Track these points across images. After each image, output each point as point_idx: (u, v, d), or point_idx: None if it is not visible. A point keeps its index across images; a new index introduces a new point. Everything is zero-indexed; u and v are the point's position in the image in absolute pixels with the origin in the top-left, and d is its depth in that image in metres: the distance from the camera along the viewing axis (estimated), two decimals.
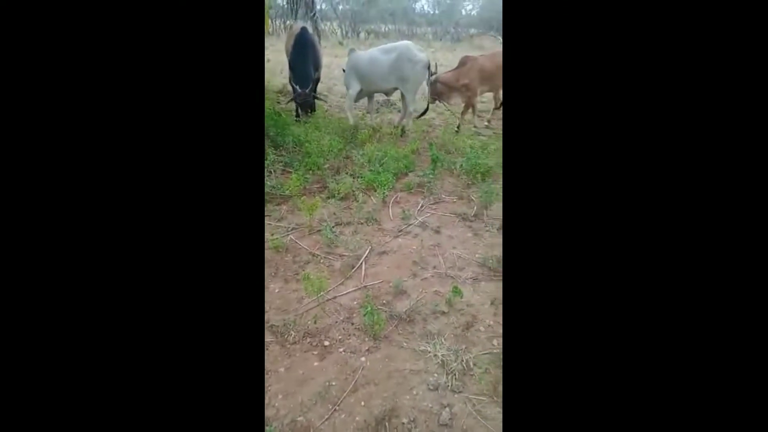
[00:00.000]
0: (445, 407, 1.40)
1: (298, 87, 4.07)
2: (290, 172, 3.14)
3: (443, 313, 1.85)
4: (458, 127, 4.47)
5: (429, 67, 4.06)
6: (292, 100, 4.26)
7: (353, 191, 2.94)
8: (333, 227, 2.46)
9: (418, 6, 17.53)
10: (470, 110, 4.60)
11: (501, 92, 4.81)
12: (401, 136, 4.16)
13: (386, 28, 15.10)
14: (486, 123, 4.86)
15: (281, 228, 2.50)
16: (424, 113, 4.36)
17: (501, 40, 6.42)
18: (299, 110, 4.30)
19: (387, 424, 1.34)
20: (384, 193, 2.90)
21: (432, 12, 17.31)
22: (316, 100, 4.26)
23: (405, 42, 4.28)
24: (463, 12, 18.13)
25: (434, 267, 2.19)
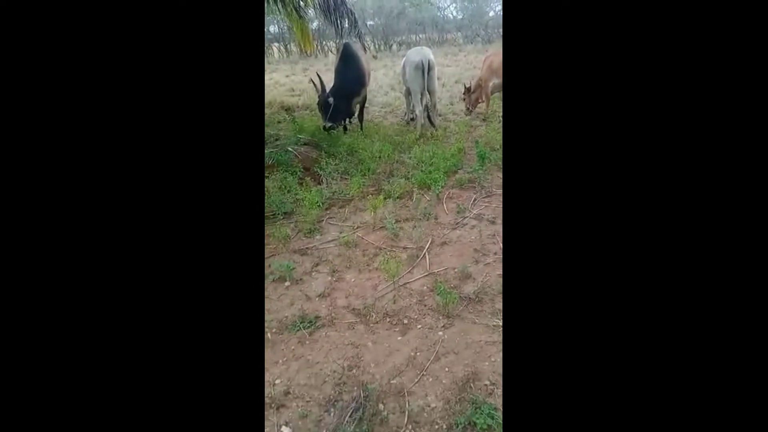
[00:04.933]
0: None
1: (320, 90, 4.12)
2: (347, 179, 3.40)
3: None
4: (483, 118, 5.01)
5: (425, 69, 4.23)
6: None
7: (408, 191, 3.14)
8: (394, 223, 2.66)
9: (445, 14, 17.75)
10: (487, 100, 5.10)
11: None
12: (418, 138, 4.31)
13: (417, 38, 15.43)
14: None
15: (348, 227, 2.73)
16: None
17: None
18: (326, 116, 4.17)
19: (472, 385, 1.49)
20: (437, 190, 3.07)
21: (460, 17, 17.46)
22: (334, 106, 4.12)
23: (418, 47, 4.66)
24: (491, 13, 18.11)
25: (495, 253, 2.31)
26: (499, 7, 18.37)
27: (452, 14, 18.15)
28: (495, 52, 5.22)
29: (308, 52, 6.73)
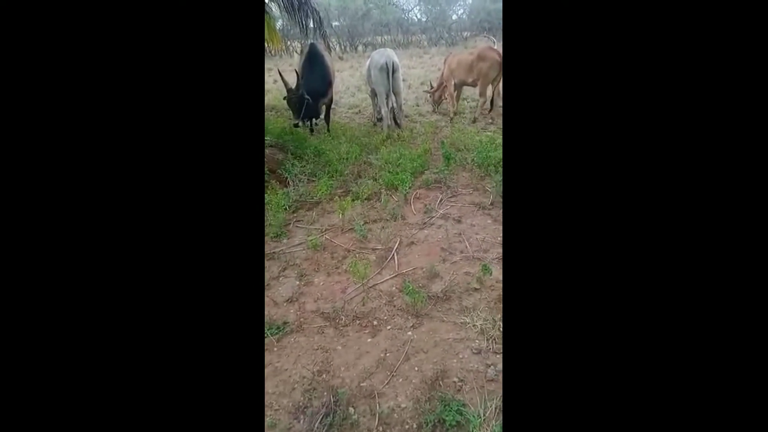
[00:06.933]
0: (489, 366, 1.56)
1: (289, 86, 3.99)
2: (314, 181, 3.36)
3: (476, 289, 2.02)
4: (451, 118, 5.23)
5: (390, 70, 4.34)
6: (284, 98, 4.24)
7: (376, 192, 3.15)
8: (363, 225, 2.65)
9: (410, 16, 17.96)
10: (451, 100, 5.35)
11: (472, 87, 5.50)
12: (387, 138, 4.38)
13: (382, 40, 15.50)
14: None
15: (316, 230, 2.70)
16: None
17: (494, 40, 6.84)
18: (299, 113, 4.17)
19: (441, 383, 1.51)
20: (405, 191, 3.10)
21: (424, 19, 17.71)
22: (308, 104, 4.09)
23: (383, 48, 4.75)
24: (454, 17, 18.53)
25: (461, 252, 2.36)
26: (461, 11, 18.80)
27: (417, 17, 18.39)
28: (454, 54, 5.48)
29: (273, 51, 6.57)
